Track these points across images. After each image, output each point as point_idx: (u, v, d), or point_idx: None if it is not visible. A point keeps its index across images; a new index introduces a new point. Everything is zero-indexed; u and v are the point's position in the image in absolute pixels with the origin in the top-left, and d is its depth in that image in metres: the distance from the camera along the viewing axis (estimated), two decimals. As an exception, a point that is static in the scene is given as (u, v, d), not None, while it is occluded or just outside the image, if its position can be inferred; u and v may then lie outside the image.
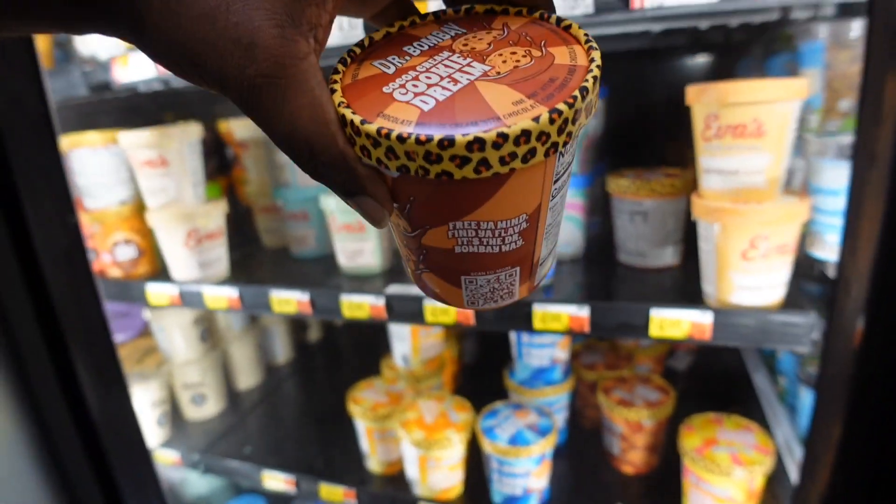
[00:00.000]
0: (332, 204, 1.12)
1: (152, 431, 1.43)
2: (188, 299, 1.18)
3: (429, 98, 0.29)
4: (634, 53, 1.24)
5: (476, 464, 1.18)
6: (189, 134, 1.16)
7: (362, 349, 1.81)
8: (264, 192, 1.38)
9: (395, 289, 1.03)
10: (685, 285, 1.00)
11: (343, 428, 1.37)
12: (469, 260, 0.33)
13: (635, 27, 0.89)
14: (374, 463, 1.26)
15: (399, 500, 1.19)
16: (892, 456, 0.69)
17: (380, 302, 1.00)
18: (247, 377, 1.67)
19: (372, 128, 0.28)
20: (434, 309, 0.96)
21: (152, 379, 1.42)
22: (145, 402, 1.40)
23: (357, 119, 0.28)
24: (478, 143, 0.26)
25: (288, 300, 1.07)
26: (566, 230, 1.14)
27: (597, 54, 0.30)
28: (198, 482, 1.78)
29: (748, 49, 1.24)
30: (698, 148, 0.86)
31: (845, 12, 0.84)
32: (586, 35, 0.31)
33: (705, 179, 0.87)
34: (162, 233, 1.16)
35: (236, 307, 1.13)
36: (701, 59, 1.35)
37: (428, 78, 0.30)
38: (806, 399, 1.10)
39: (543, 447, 1.07)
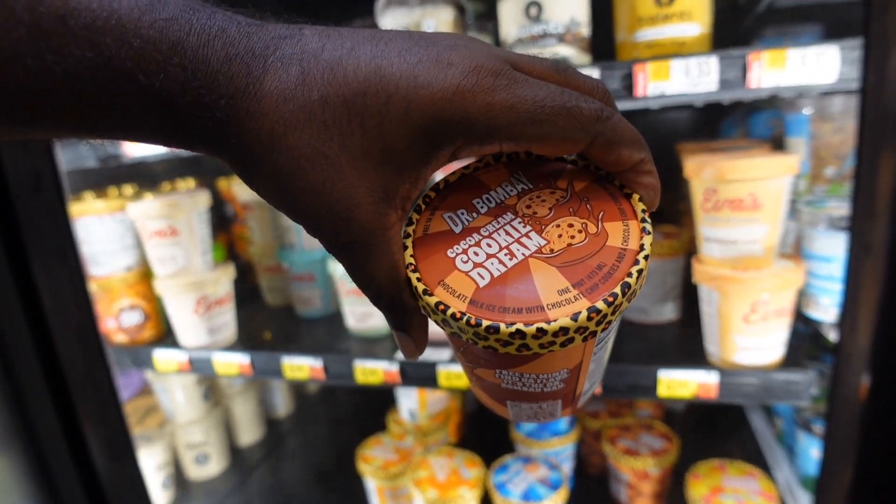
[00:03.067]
0: (340, 270, 1.14)
1: (157, 495, 1.42)
2: (198, 366, 1.19)
3: (485, 272, 0.32)
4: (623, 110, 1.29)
5: (488, 519, 1.20)
6: (198, 203, 1.18)
7: (363, 400, 1.82)
8: (268, 253, 1.41)
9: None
10: (686, 341, 1.04)
11: (349, 484, 1.38)
12: (514, 393, 0.37)
13: (636, 106, 0.94)
14: (386, 521, 1.27)
15: (413, 559, 1.20)
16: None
17: (393, 368, 1.02)
18: (248, 433, 1.67)
19: (432, 300, 0.31)
20: (448, 374, 0.99)
21: (157, 441, 1.42)
22: (150, 465, 1.39)
23: (421, 288, 0.32)
24: (519, 335, 0.29)
25: (301, 366, 1.09)
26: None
27: (648, 239, 0.32)
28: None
29: (733, 108, 1.31)
30: (697, 218, 0.91)
31: (829, 91, 0.90)
32: (644, 211, 0.33)
33: (705, 247, 0.92)
34: (171, 300, 1.18)
35: (248, 373, 1.14)
36: (688, 114, 1.41)
37: (489, 246, 0.33)
38: (804, 442, 1.14)
39: (555, 501, 1.09)
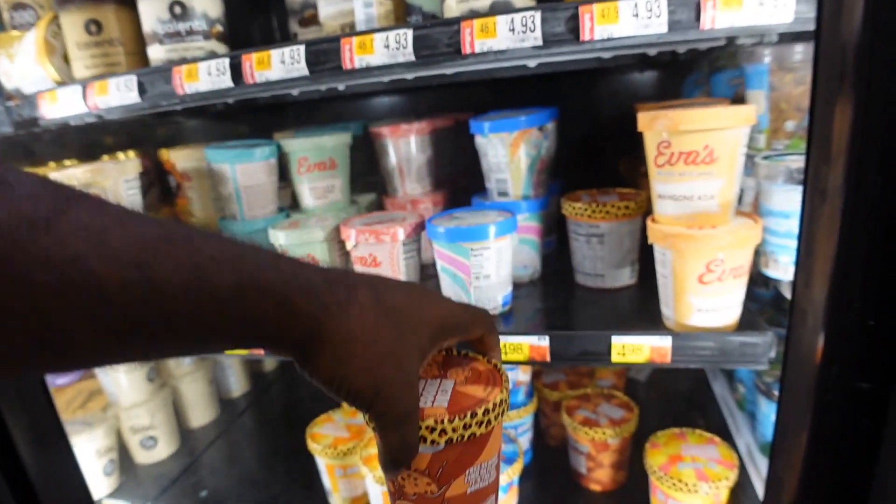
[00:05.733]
0: (282, 237, 1.07)
1: (99, 482, 1.35)
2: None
3: (441, 400, 0.51)
4: (583, 73, 1.24)
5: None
6: (126, 170, 1.10)
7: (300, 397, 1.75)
8: (210, 226, 1.32)
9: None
10: (643, 305, 1.00)
11: (304, 464, 1.32)
12: (477, 495, 0.52)
13: (585, 55, 0.88)
14: (338, 501, 1.22)
15: (366, 539, 1.15)
16: (858, 471, 0.70)
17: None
18: (200, 414, 1.60)
19: (430, 421, 0.47)
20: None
21: (97, 426, 1.34)
22: (90, 451, 1.32)
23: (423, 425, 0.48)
24: (486, 409, 0.49)
25: (239, 342, 1.02)
26: (524, 253, 1.13)
27: (506, 375, 0.55)
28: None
29: (694, 66, 1.26)
30: (651, 174, 0.86)
31: (788, 38, 0.85)
32: (504, 373, 0.55)
33: (659, 205, 0.87)
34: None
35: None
36: (649, 76, 1.36)
37: (432, 392, 0.52)
38: (764, 408, 1.12)
39: (510, 476, 1.05)
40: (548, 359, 0.89)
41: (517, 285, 1.13)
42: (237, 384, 1.73)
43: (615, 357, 0.87)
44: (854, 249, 0.59)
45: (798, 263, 0.65)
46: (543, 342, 0.89)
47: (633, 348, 0.86)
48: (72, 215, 0.31)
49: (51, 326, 0.30)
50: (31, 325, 0.30)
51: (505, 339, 0.90)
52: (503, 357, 0.92)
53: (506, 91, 1.44)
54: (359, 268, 1.04)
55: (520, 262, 1.14)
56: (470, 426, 0.48)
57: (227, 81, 0.93)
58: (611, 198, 1.06)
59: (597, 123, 1.37)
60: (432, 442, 0.48)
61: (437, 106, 1.50)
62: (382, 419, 0.44)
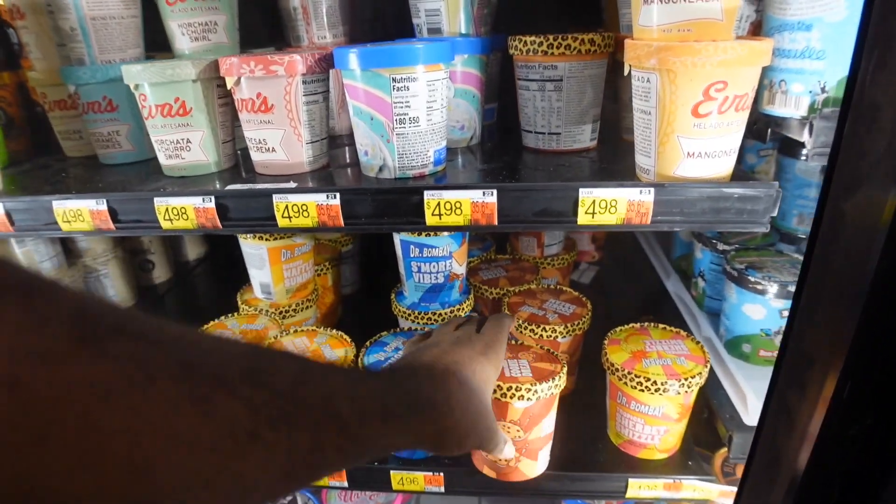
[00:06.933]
0: (139, 74, 0.79)
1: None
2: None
3: (526, 372, 0.81)
4: None
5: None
6: None
7: (222, 288, 1.49)
8: (54, 78, 1.01)
9: (234, 187, 0.74)
10: (610, 167, 0.80)
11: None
12: (545, 438, 0.86)
13: None
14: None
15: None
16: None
17: (209, 204, 0.71)
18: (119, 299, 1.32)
19: (527, 384, 0.78)
20: (288, 205, 0.69)
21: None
22: None
23: None
24: (559, 375, 0.80)
25: (79, 211, 0.75)
26: (461, 109, 0.90)
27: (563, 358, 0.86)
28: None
29: None
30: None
31: None
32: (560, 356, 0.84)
33: (643, 14, 0.65)
34: None
35: (5, 229, 0.79)
36: None
37: (516, 367, 0.83)
38: (734, 298, 0.97)
39: (444, 381, 0.86)
40: (495, 221, 0.68)
41: (451, 151, 0.91)
42: (118, 298, 1.45)
43: (582, 218, 0.67)
44: None
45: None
46: (490, 198, 0.67)
47: (606, 204, 0.66)
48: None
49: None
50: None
51: (439, 196, 0.68)
52: (437, 222, 0.70)
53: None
54: (244, 116, 0.78)
55: (455, 121, 0.91)
56: (552, 388, 0.79)
57: None
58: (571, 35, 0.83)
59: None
60: (527, 399, 0.77)
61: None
62: (486, 450, 0.64)
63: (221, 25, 0.93)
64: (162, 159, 0.86)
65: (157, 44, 1.01)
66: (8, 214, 0.78)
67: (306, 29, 1.01)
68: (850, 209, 0.45)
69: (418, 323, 1.01)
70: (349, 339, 0.96)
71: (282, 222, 0.71)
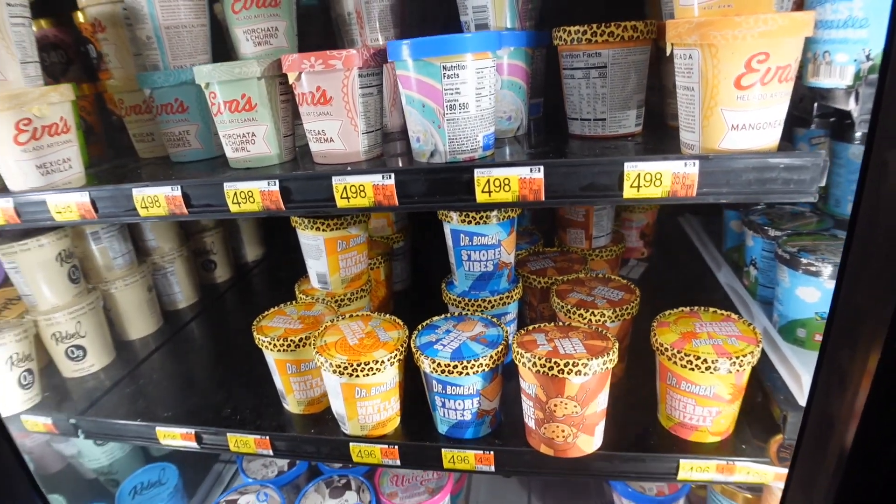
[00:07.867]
0: (208, 74, 0.86)
1: (13, 394, 1.15)
2: (28, 212, 0.90)
3: (580, 349, 0.84)
4: None
5: (416, 393, 0.98)
6: None
7: (279, 286, 1.56)
8: (131, 86, 1.10)
9: (297, 172, 0.80)
10: (654, 150, 0.82)
11: (257, 369, 1.14)
12: (602, 413, 0.88)
13: None
14: (293, 403, 1.04)
15: (325, 444, 0.98)
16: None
17: (273, 187, 0.77)
18: (139, 325, 1.41)
19: (583, 360, 0.80)
20: (346, 186, 0.74)
21: (7, 330, 1.13)
22: (1, 359, 1.12)
23: None
24: (613, 351, 0.83)
25: (156, 197, 0.82)
26: (508, 100, 0.94)
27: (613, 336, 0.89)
28: (95, 452, 1.52)
29: None
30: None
31: None
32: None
33: (685, -8, 0.68)
34: (-19, 127, 0.87)
35: (90, 216, 0.87)
36: None
37: (569, 345, 0.86)
38: (787, 282, 0.96)
39: (494, 360, 0.88)
40: (542, 196, 0.71)
41: (498, 141, 0.94)
42: (183, 294, 1.53)
43: (627, 192, 0.69)
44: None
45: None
46: (537, 174, 0.70)
47: (651, 177, 0.68)
48: None
49: None
50: None
51: (489, 173, 0.71)
52: (486, 199, 0.73)
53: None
54: (304, 109, 0.84)
55: (502, 111, 0.94)
56: (606, 363, 0.81)
57: None
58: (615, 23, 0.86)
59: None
60: (584, 374, 0.80)
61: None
62: None
63: (282, 31, 1.00)
64: (229, 153, 0.92)
65: (216, 55, 1.09)
66: (93, 202, 0.86)
67: (360, 32, 1.06)
68: (892, 158, 0.46)
69: (468, 310, 1.03)
70: (402, 323, 0.99)
71: (340, 203, 0.75)
